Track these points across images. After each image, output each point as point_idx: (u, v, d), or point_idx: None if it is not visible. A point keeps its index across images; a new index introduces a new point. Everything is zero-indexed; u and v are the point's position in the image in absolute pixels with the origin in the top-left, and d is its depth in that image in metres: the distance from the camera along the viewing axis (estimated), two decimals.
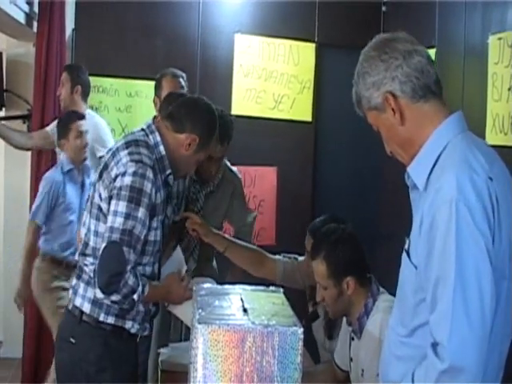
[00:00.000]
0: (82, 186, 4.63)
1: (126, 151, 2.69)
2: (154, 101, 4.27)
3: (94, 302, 2.70)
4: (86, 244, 2.75)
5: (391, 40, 1.99)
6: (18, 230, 5.35)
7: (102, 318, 2.70)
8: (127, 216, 2.59)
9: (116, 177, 2.65)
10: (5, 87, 5.52)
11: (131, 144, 2.73)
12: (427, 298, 1.84)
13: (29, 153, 5.23)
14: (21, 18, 4.78)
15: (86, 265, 2.74)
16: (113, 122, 5.47)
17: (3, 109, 5.64)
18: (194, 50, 5.65)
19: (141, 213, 2.62)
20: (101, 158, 4.03)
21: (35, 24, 5.01)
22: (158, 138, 2.80)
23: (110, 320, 2.71)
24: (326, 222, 3.20)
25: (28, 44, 5.43)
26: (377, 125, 2.05)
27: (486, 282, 1.75)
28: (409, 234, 1.99)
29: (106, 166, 2.73)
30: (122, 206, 2.60)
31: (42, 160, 5.08)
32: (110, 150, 2.83)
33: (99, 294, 2.61)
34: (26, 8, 4.84)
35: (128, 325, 2.75)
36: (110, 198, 2.65)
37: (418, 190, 1.96)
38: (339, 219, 3.23)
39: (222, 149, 3.54)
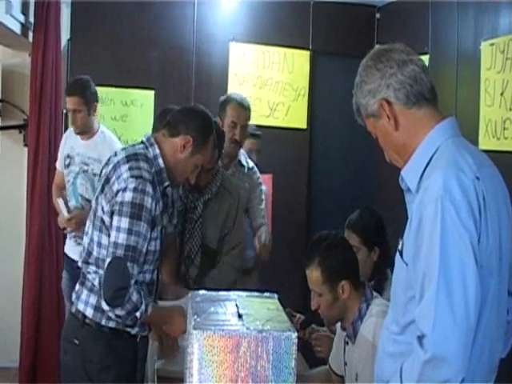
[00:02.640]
0: None
1: (126, 166, 2.73)
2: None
3: (97, 308, 2.78)
4: (90, 253, 2.81)
5: (388, 51, 2.06)
6: (13, 235, 5.37)
7: (103, 322, 2.78)
8: (130, 232, 2.65)
9: (117, 192, 2.69)
10: (0, 97, 5.52)
11: (131, 158, 2.77)
12: (416, 295, 1.87)
13: (25, 154, 5.20)
14: (16, 28, 4.79)
15: (89, 272, 2.82)
16: None
17: None
18: (189, 59, 5.67)
19: (142, 227, 2.68)
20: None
21: (31, 34, 5.02)
22: (157, 151, 2.84)
23: (111, 324, 2.79)
24: (362, 214, 3.45)
25: (24, 54, 5.43)
26: (374, 132, 2.12)
27: (469, 275, 1.77)
28: (403, 235, 2.02)
29: (107, 180, 2.78)
30: (124, 222, 2.65)
31: (38, 162, 5.06)
32: (110, 162, 2.86)
33: (105, 306, 2.67)
34: (22, 18, 4.85)
35: (128, 327, 2.81)
36: (112, 212, 2.70)
37: (411, 193, 1.99)
38: (373, 210, 3.55)
39: (212, 161, 3.51)
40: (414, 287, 1.87)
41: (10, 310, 5.24)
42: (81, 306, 2.81)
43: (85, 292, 2.82)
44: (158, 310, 2.85)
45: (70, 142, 4.58)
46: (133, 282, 2.68)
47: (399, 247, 2.02)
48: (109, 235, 2.71)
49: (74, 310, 2.86)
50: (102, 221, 2.76)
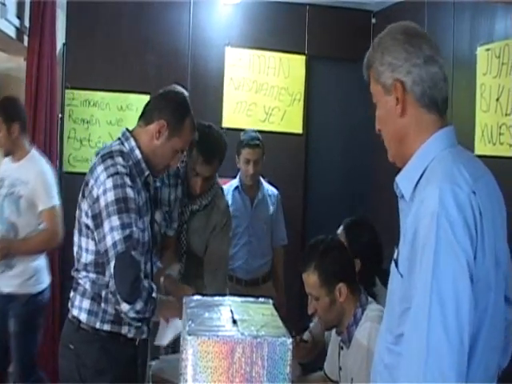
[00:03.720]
0: None
1: (102, 166, 2.73)
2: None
3: (90, 312, 2.78)
4: (78, 260, 2.82)
5: (421, 36, 2.01)
6: None
7: (98, 325, 2.77)
8: (123, 226, 2.64)
9: (98, 197, 2.69)
10: None
11: (106, 157, 2.76)
12: (411, 307, 1.84)
13: None
14: (11, 32, 4.78)
15: (80, 278, 2.82)
16: (104, 135, 5.51)
17: None
18: (185, 63, 5.67)
19: (133, 218, 2.68)
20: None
21: (26, 38, 5.01)
22: (133, 143, 2.83)
23: (106, 327, 2.78)
24: (358, 222, 3.53)
25: (19, 58, 5.42)
26: (377, 100, 2.04)
27: (463, 295, 1.74)
28: (398, 244, 2.01)
29: (86, 183, 2.78)
30: (115, 220, 2.64)
31: None
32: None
33: (125, 308, 2.63)
34: (17, 22, 4.84)
35: (124, 330, 2.80)
36: (95, 216, 2.69)
37: (405, 200, 1.98)
38: (368, 226, 3.57)
39: (209, 168, 3.51)
40: (409, 300, 1.85)
41: None
42: (75, 312, 2.81)
43: (78, 298, 2.82)
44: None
45: (3, 165, 4.47)
46: (142, 267, 2.69)
47: (394, 256, 2.00)
48: (94, 239, 2.71)
49: (70, 315, 2.86)
50: (87, 226, 2.74)
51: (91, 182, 2.74)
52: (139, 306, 2.64)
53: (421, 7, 4.99)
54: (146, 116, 2.89)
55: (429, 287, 1.75)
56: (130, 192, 2.68)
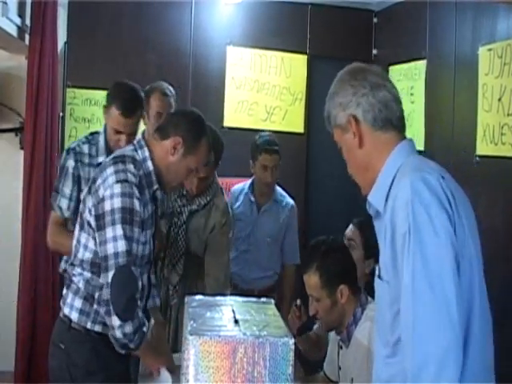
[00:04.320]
0: None
1: (112, 168, 2.70)
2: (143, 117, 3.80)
3: (82, 311, 2.75)
4: (75, 255, 2.80)
5: (365, 70, 2.10)
6: (8, 238, 5.34)
7: (89, 326, 2.75)
8: (125, 238, 2.61)
9: (103, 198, 2.66)
10: None
11: (118, 160, 2.75)
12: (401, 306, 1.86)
13: (21, 157, 5.18)
14: (13, 30, 4.77)
15: (74, 275, 2.80)
16: None
17: None
18: (186, 63, 5.66)
19: (136, 232, 2.66)
20: None
21: (27, 37, 5.00)
22: (147, 154, 2.80)
23: (97, 328, 2.76)
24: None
25: (20, 57, 5.41)
26: (340, 142, 2.14)
27: (448, 270, 1.78)
28: (378, 260, 2.02)
29: (94, 180, 2.76)
30: (119, 229, 2.61)
31: (35, 165, 5.03)
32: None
33: (116, 322, 2.59)
34: (18, 21, 4.83)
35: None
36: (98, 217, 2.66)
37: (381, 216, 2.01)
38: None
39: (206, 168, 3.49)
40: (399, 300, 1.86)
41: (5, 313, 5.20)
42: (66, 310, 2.79)
43: (70, 295, 2.79)
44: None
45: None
46: (140, 285, 2.66)
47: (377, 273, 2.03)
48: (95, 238, 2.69)
49: (61, 314, 2.83)
50: (89, 224, 2.72)
51: (99, 181, 2.71)
52: (128, 329, 2.59)
53: (422, 7, 4.97)
54: (161, 130, 2.86)
55: (414, 268, 1.79)
56: (136, 204, 2.65)
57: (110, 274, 2.59)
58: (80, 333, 2.76)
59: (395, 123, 2.05)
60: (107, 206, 2.64)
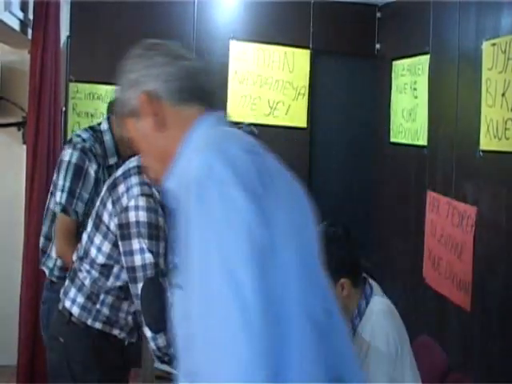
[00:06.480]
0: None
1: (137, 179, 2.63)
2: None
3: (84, 308, 2.72)
4: (86, 252, 2.74)
5: (162, 44, 1.83)
6: (11, 232, 5.35)
7: (89, 322, 2.72)
8: (152, 252, 2.57)
9: (127, 208, 2.59)
10: None
11: (142, 171, 2.62)
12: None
13: (24, 152, 5.17)
14: (15, 25, 4.76)
15: (80, 270, 2.75)
16: None
17: None
18: None
19: (161, 248, 2.61)
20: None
21: (30, 31, 5.00)
22: None
23: (98, 326, 2.73)
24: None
25: (23, 51, 5.41)
26: (134, 135, 1.74)
27: (244, 264, 1.34)
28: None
29: (114, 185, 2.67)
30: (145, 243, 2.57)
31: (37, 160, 5.03)
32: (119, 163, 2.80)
33: (148, 334, 2.56)
34: (21, 15, 4.82)
35: (115, 332, 2.76)
36: (122, 226, 2.59)
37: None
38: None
39: None
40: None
41: (8, 307, 5.22)
42: (67, 304, 2.76)
43: (73, 290, 2.76)
44: None
45: None
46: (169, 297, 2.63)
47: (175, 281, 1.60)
48: (112, 243, 2.64)
49: (61, 307, 2.80)
50: (108, 227, 2.66)
51: (122, 187, 2.63)
52: (161, 342, 2.55)
53: (426, 1, 4.96)
54: None
55: (200, 266, 1.37)
56: (161, 221, 2.60)
57: (139, 285, 2.57)
58: (79, 328, 2.73)
59: (200, 94, 1.69)
60: (132, 217, 2.58)
